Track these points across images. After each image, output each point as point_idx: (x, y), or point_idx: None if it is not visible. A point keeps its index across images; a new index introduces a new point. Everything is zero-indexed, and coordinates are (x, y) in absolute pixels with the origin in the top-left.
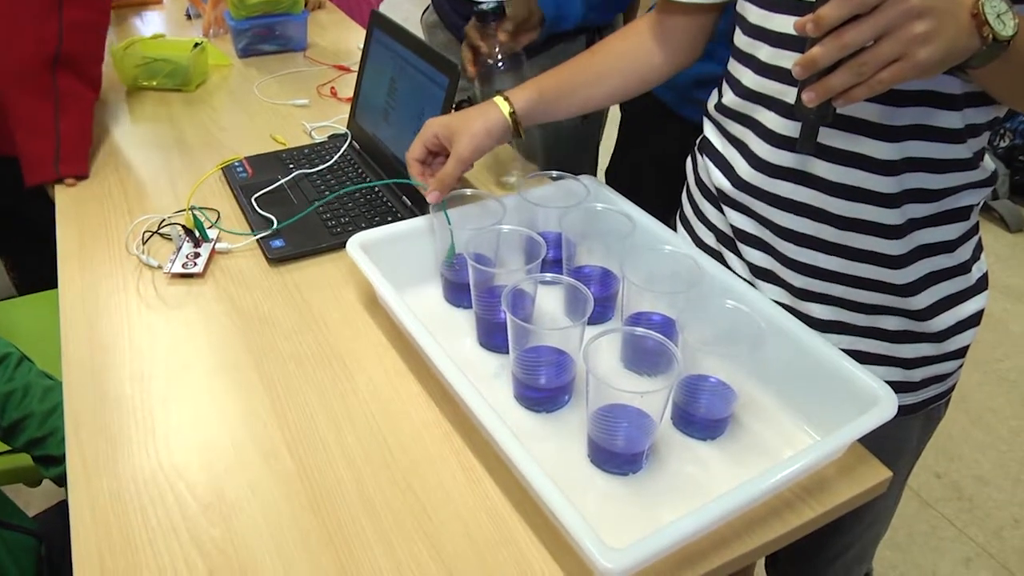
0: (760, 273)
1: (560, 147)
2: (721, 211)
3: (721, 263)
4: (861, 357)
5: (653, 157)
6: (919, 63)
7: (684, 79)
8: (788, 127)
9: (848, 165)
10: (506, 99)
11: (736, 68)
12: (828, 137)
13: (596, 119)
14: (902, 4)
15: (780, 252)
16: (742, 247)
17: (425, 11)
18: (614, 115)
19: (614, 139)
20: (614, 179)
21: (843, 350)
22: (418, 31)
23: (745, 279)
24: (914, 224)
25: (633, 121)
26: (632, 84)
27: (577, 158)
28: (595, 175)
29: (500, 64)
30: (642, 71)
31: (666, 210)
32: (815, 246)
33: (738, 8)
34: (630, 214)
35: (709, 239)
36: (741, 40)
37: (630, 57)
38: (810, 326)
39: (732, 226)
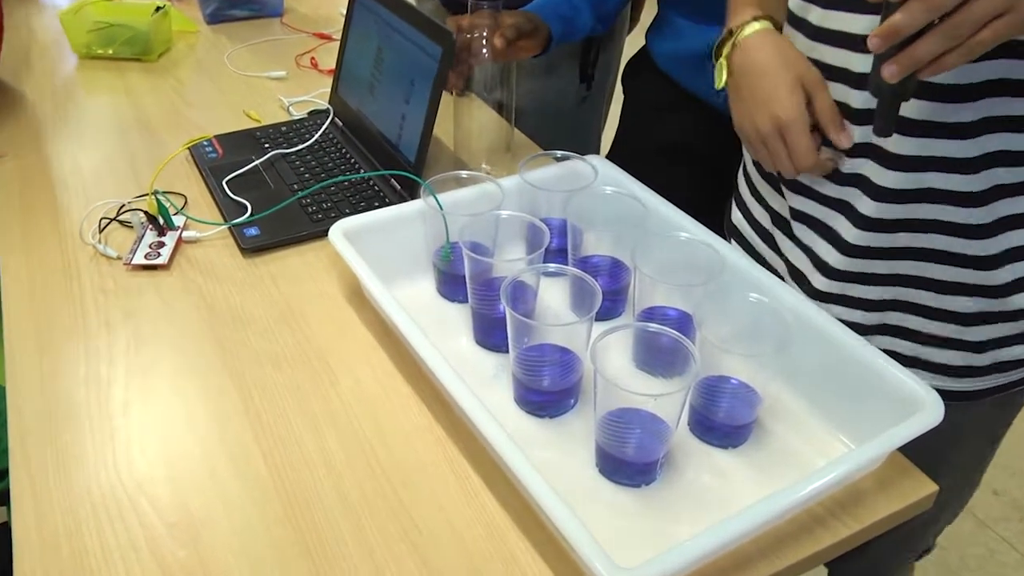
0: (813, 256)
1: (556, 133)
2: (780, 192)
3: (773, 247)
4: (926, 340)
5: (660, 144)
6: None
7: (695, 48)
8: (848, 98)
9: (919, 135)
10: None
11: (788, 34)
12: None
13: (597, 101)
14: None
15: (838, 233)
16: (798, 227)
17: None
18: (617, 97)
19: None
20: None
21: (908, 330)
22: None
23: (796, 267)
24: (999, 192)
25: (637, 101)
26: None
27: (576, 145)
28: None
29: (485, 51)
30: None
31: (675, 204)
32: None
33: None
34: (643, 198)
35: (764, 220)
36: (792, 2)
37: None
38: (866, 310)
39: (791, 208)
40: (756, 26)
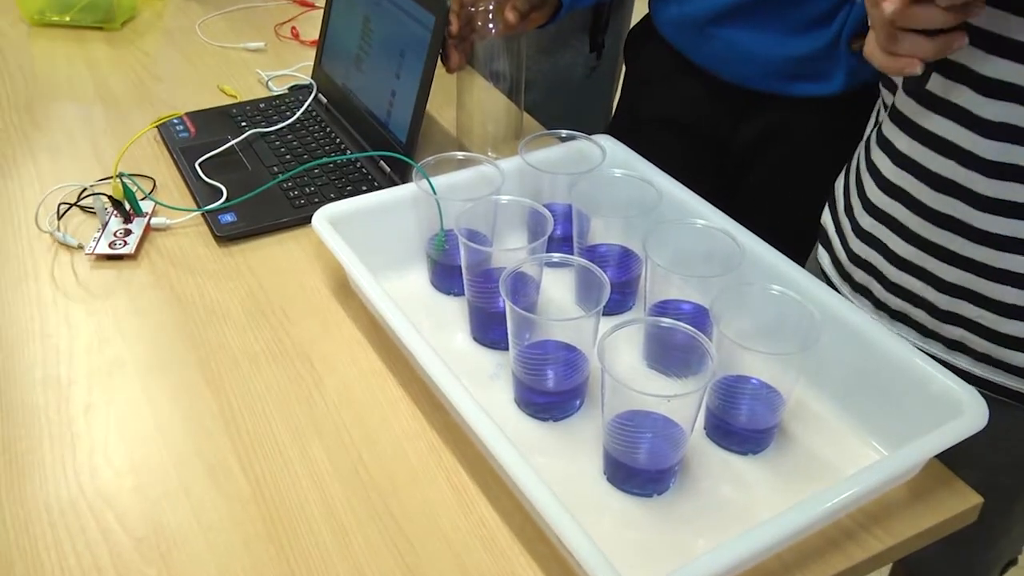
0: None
1: (565, 106)
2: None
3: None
4: (1003, 339)
5: (662, 116)
6: None
7: (700, 11)
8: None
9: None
10: None
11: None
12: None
13: (608, 70)
14: None
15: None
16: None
17: None
18: None
19: None
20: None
21: (973, 323)
22: None
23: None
24: None
25: (638, 72)
26: None
27: (585, 119)
28: None
29: (491, 26)
30: None
31: (677, 177)
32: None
33: None
34: (655, 181)
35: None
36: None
37: None
38: (939, 289)
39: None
40: None
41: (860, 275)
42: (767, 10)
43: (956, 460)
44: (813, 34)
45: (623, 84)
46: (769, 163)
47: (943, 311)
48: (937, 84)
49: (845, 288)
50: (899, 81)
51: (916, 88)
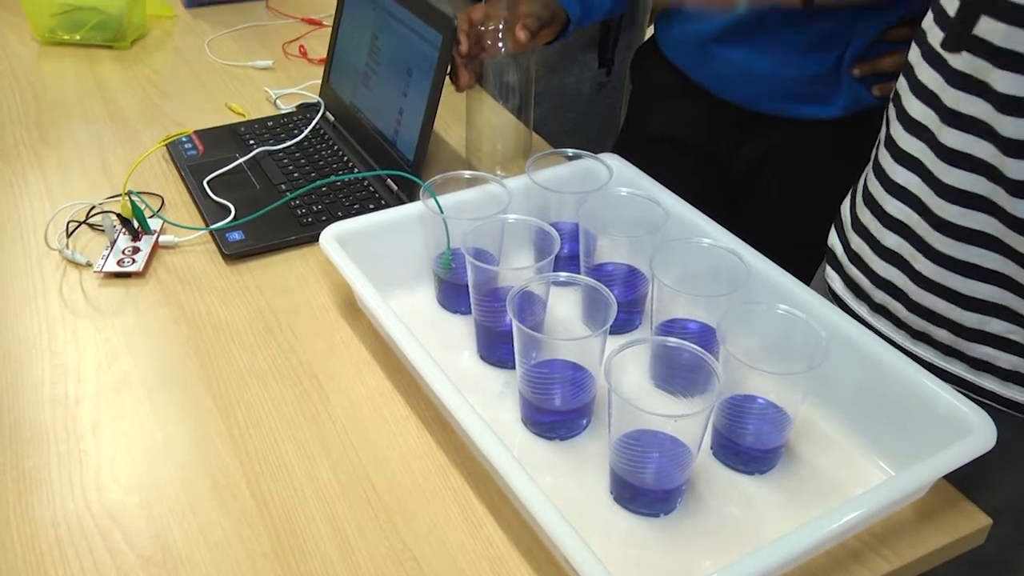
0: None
1: (574, 122)
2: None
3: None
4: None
5: (666, 135)
6: None
7: (703, 31)
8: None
9: None
10: None
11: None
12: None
13: (617, 86)
14: None
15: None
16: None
17: None
18: None
19: None
20: (622, 154)
21: (1001, 340)
22: None
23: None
24: None
25: (642, 90)
26: None
27: (595, 134)
28: None
29: (501, 45)
30: None
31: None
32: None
33: None
34: (661, 200)
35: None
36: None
37: None
38: (964, 307)
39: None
40: None
41: (880, 295)
42: (769, 31)
43: (984, 481)
44: (814, 56)
45: (629, 101)
46: (771, 183)
47: (968, 329)
48: (951, 98)
49: (863, 309)
50: (906, 87)
51: (931, 104)
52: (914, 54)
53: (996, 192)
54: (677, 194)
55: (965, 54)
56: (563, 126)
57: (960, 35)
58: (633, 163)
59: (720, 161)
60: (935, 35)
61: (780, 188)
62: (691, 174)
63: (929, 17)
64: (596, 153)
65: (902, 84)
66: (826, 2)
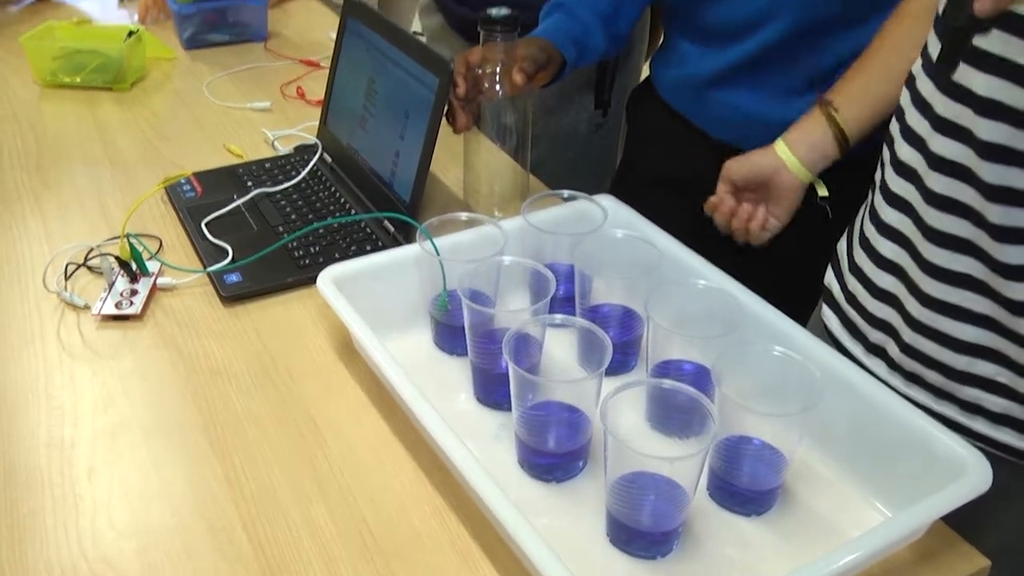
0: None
1: (571, 162)
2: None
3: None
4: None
5: (663, 176)
6: None
7: (699, 74)
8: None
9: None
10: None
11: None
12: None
13: (614, 127)
14: None
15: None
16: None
17: None
18: None
19: None
20: (618, 194)
21: (990, 382)
22: None
23: (887, 290)
24: None
25: (639, 131)
26: None
27: (592, 174)
28: None
29: (498, 87)
30: None
31: (677, 237)
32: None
33: None
34: (656, 241)
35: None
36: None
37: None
38: (956, 351)
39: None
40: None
41: (876, 335)
42: (764, 72)
43: (982, 523)
44: (808, 96)
45: (625, 142)
46: None
47: (958, 372)
48: (938, 144)
49: (858, 349)
50: (897, 131)
51: (919, 148)
52: (904, 98)
53: (981, 237)
54: (673, 234)
55: (948, 100)
56: (560, 167)
57: (943, 81)
58: (630, 203)
59: None
60: (923, 80)
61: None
62: (687, 214)
63: (918, 62)
64: (593, 194)
65: (894, 127)
66: (858, 135)
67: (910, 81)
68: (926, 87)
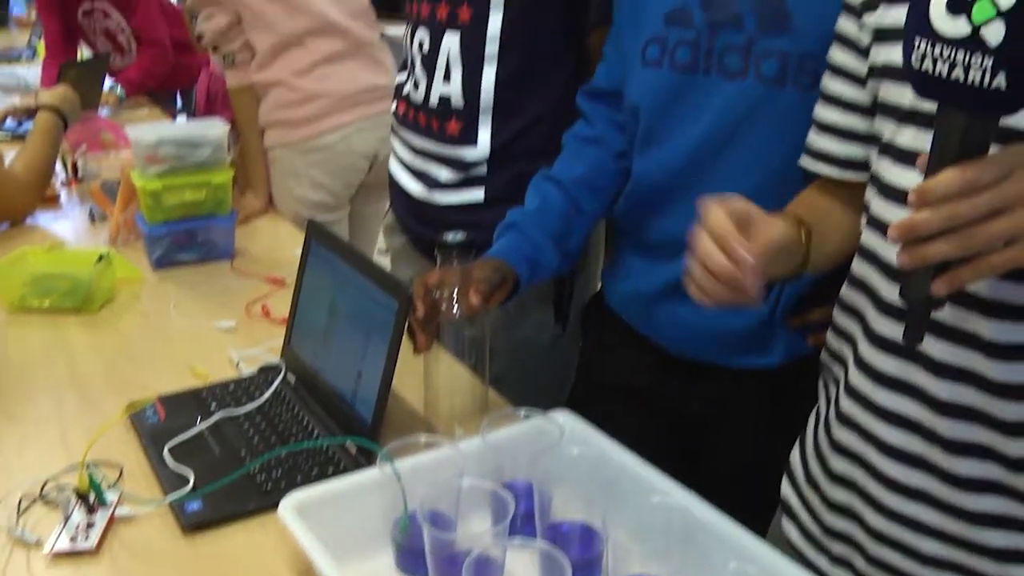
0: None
1: (531, 376)
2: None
3: None
4: None
5: (617, 387)
6: None
7: (647, 289)
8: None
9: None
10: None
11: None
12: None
13: (573, 339)
14: (1022, 183)
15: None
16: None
17: (386, 213)
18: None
19: None
20: (575, 405)
21: None
22: None
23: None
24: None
25: (591, 342)
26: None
27: (552, 386)
28: None
29: (456, 308)
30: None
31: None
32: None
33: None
34: (613, 456)
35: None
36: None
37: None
38: (919, 561)
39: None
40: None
41: (838, 548)
42: None
43: None
44: (750, 309)
45: (580, 353)
46: (720, 432)
47: None
48: (890, 364)
49: (822, 560)
50: (850, 358)
51: (869, 366)
52: (857, 329)
53: (932, 451)
54: (629, 444)
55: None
56: (521, 379)
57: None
58: (587, 414)
59: (671, 410)
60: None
61: (731, 437)
62: (643, 424)
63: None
64: (555, 405)
65: (847, 350)
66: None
67: (862, 318)
68: (883, 327)
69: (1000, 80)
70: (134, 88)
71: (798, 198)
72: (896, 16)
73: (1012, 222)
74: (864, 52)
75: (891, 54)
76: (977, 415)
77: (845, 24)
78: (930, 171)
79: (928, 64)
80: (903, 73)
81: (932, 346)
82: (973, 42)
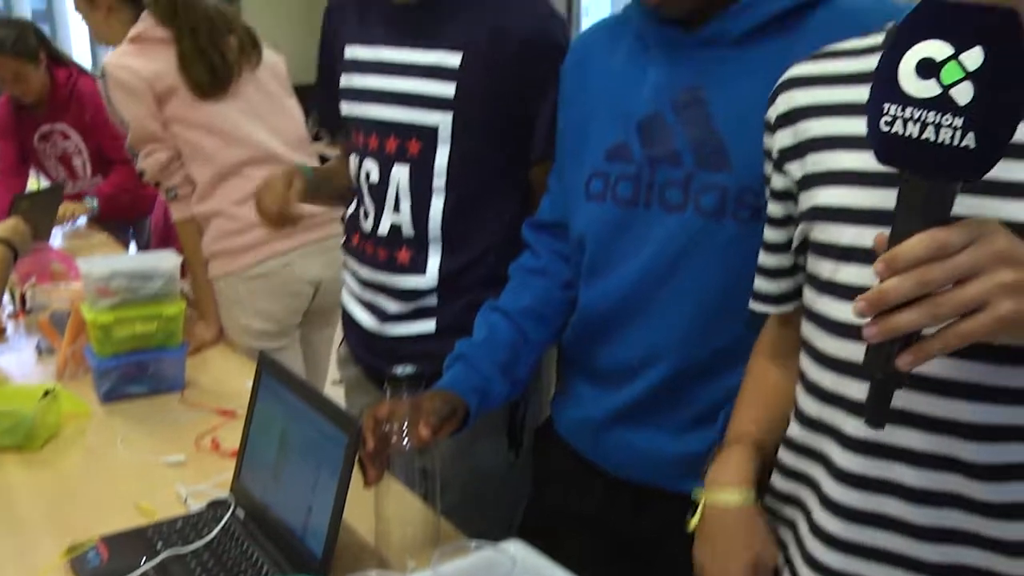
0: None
1: (485, 504)
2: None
3: None
4: None
5: (568, 514)
6: (1002, 316)
7: (595, 416)
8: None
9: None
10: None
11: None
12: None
13: (526, 465)
14: (991, 246)
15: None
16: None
17: (340, 343)
18: None
19: None
20: (528, 533)
21: None
22: None
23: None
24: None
25: (541, 469)
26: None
27: (508, 514)
28: None
29: (406, 441)
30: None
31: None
32: None
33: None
34: None
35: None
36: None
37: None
38: None
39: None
40: (736, 499)
41: None
42: (657, 410)
43: None
44: (700, 432)
45: (532, 480)
46: (669, 558)
47: None
48: (859, 499)
49: None
50: (811, 499)
51: (838, 504)
52: (819, 471)
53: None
54: (580, 572)
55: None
56: (474, 508)
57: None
58: (538, 542)
59: (622, 536)
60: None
61: (681, 561)
62: (594, 550)
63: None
64: (508, 532)
65: (810, 496)
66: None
67: (821, 456)
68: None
69: (969, 139)
70: (108, 203)
71: None
72: (822, 128)
73: (983, 285)
74: (791, 197)
75: (819, 196)
76: (964, 536)
77: (770, 174)
78: (893, 242)
79: (898, 127)
80: (834, 213)
81: (904, 473)
82: (943, 102)
